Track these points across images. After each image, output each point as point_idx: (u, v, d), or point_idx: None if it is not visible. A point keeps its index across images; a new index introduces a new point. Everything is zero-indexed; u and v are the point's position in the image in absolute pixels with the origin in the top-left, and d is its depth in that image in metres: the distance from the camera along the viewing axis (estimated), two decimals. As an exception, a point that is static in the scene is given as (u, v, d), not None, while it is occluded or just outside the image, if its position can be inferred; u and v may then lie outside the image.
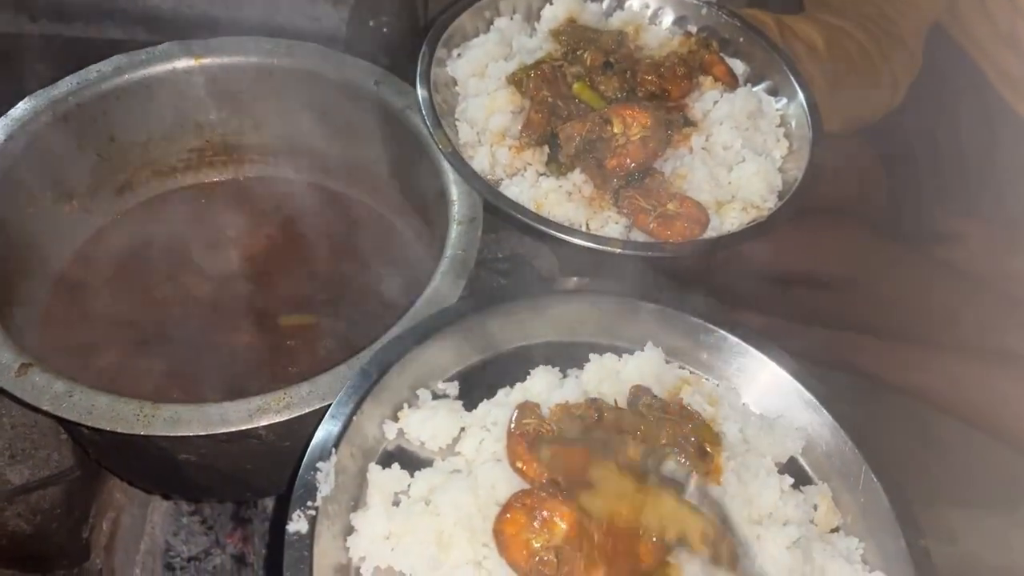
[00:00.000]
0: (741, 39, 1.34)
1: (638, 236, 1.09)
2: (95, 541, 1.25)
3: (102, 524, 1.28)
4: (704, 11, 1.35)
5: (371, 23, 1.97)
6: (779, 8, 1.60)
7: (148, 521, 1.47)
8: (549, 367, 1.01)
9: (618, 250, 1.03)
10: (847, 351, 1.39)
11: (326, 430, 0.91)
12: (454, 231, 1.15)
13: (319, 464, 0.87)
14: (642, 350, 1.03)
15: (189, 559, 1.52)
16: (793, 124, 1.26)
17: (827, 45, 1.54)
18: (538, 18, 1.31)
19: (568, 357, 1.04)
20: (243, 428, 0.97)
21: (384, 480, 0.91)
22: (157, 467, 1.13)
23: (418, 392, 0.99)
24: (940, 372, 1.37)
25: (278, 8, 2.03)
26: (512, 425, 0.91)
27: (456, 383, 1.01)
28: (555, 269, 1.45)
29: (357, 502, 0.91)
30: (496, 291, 1.07)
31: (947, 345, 1.39)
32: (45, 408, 0.97)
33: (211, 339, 1.28)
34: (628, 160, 1.10)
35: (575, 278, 1.11)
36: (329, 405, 0.94)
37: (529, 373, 1.00)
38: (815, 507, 0.96)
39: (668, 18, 1.37)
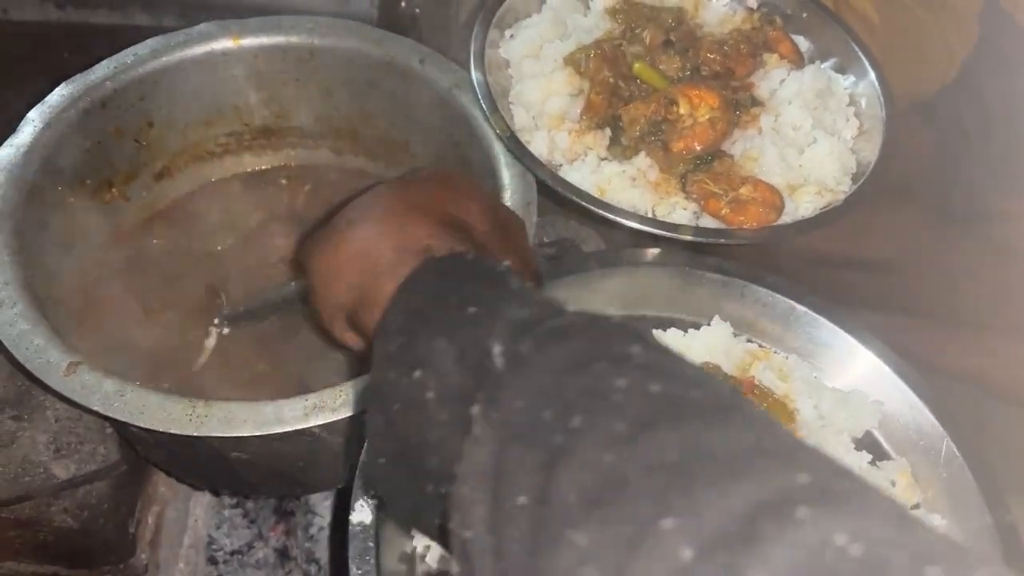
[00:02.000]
0: (804, 14, 1.28)
1: (707, 222, 1.04)
2: (140, 536, 1.23)
3: (147, 519, 1.26)
4: (764, -15, 1.29)
5: (403, 4, 1.93)
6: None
7: (191, 515, 1.45)
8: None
9: (690, 237, 0.98)
10: (899, 335, 1.35)
11: None
12: None
13: None
14: (708, 324, 1.00)
15: (232, 552, 1.50)
16: (863, 103, 1.20)
17: (881, 18, 1.49)
18: (593, -5, 1.26)
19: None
20: (299, 428, 0.93)
21: None
22: (206, 464, 1.10)
23: None
24: (995, 355, 1.34)
25: (309, -9, 2.00)
26: None
27: None
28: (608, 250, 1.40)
29: None
30: (549, 268, 1.03)
31: (1002, 327, 1.36)
32: (96, 408, 0.94)
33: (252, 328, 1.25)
34: (695, 143, 1.05)
35: (648, 250, 1.07)
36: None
37: None
38: (893, 483, 0.93)
39: (726, -9, 1.30)
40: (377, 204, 0.76)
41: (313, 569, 1.48)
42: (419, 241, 0.69)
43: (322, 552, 1.49)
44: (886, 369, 0.99)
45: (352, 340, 0.78)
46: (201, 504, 1.46)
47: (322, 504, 1.50)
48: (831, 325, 1.02)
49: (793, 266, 1.31)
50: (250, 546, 1.51)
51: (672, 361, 0.53)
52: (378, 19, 1.94)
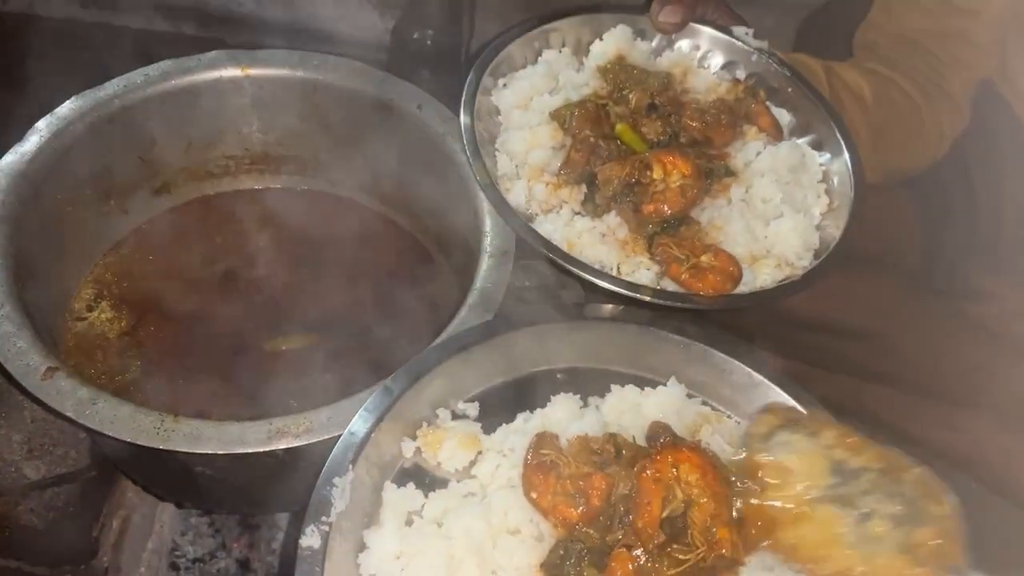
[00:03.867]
0: (789, 89, 1.32)
1: (669, 284, 1.08)
2: (104, 539, 1.26)
3: (112, 523, 1.29)
4: (754, 58, 1.33)
5: (415, 35, 1.99)
6: (827, 52, 1.58)
7: (157, 520, 1.48)
8: (570, 395, 1.00)
9: (648, 298, 1.02)
10: (869, 401, 1.37)
11: (345, 445, 0.91)
12: (485, 263, 1.15)
13: (335, 479, 0.88)
14: (665, 384, 1.02)
15: (194, 560, 1.53)
16: (835, 181, 1.24)
17: (874, 95, 1.52)
18: (587, 52, 1.30)
19: (591, 383, 1.03)
20: (261, 450, 0.97)
21: (398, 499, 0.91)
22: (172, 477, 1.14)
23: (438, 411, 0.99)
24: (963, 431, 1.34)
25: (325, 14, 2.06)
26: (529, 455, 0.91)
27: (476, 404, 1.01)
28: (582, 302, 1.44)
29: (371, 519, 0.91)
30: (523, 313, 1.07)
31: (971, 404, 1.37)
32: (68, 414, 0.97)
33: (235, 344, 1.29)
34: (665, 207, 1.09)
35: (606, 305, 1.10)
36: (347, 431, 0.93)
37: (550, 399, 0.99)
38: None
39: (717, 61, 1.35)
40: None
41: (272, 584, 1.50)
42: None
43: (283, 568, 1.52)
44: None
45: None
46: (168, 510, 1.49)
47: (287, 520, 1.52)
48: (787, 397, 1.03)
49: (772, 327, 1.33)
50: (212, 555, 1.53)
51: None
52: (391, 46, 2.01)
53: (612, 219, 1.11)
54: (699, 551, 0.83)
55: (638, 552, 0.84)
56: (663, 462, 0.88)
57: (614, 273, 1.08)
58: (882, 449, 0.90)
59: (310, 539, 0.84)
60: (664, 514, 0.85)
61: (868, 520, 0.85)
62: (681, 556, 0.83)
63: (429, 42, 2.00)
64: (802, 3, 1.90)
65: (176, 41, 1.80)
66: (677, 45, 1.34)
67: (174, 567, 1.51)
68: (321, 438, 0.97)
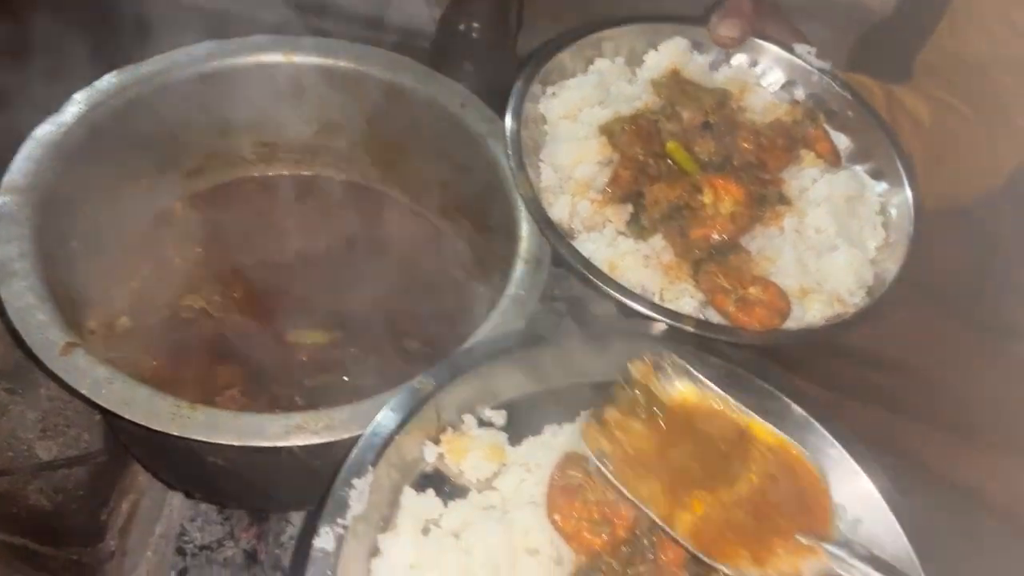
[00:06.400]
0: (850, 112, 1.27)
1: (713, 314, 1.03)
2: (111, 523, 1.25)
3: (121, 506, 1.27)
4: (815, 78, 1.28)
5: (461, 27, 1.95)
6: (886, 71, 1.54)
7: (167, 504, 1.46)
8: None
9: (691, 329, 0.97)
10: (903, 437, 1.33)
11: (366, 445, 0.88)
12: (519, 270, 1.12)
13: (354, 480, 0.85)
14: None
15: (201, 547, 1.51)
16: (894, 214, 1.18)
17: (933, 120, 1.48)
18: (640, 63, 1.26)
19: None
20: (278, 444, 0.94)
21: (417, 506, 0.88)
22: (184, 466, 1.12)
23: (464, 417, 0.96)
24: (996, 473, 1.30)
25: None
26: (555, 474, 0.88)
27: (504, 412, 0.97)
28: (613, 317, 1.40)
29: (387, 522, 0.88)
30: (555, 323, 1.04)
31: (1007, 446, 1.33)
32: (83, 392, 0.95)
33: (256, 333, 1.27)
34: (714, 233, 1.04)
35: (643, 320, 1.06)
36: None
37: (579, 413, 0.95)
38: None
39: (776, 79, 1.29)
40: None
41: (277, 576, 1.48)
42: None
43: (290, 561, 1.50)
44: (872, 489, 0.97)
45: None
46: (178, 495, 1.47)
47: (297, 514, 1.50)
48: (824, 432, 1.00)
49: (810, 354, 1.30)
50: (220, 544, 1.51)
51: None
52: (436, 36, 1.97)
53: (658, 242, 1.06)
54: None
55: None
56: None
57: (656, 299, 1.04)
58: None
59: (324, 540, 0.81)
60: None
61: None
62: None
63: (475, 35, 1.97)
64: (862, 19, 1.85)
65: (220, 20, 1.77)
66: (735, 60, 1.29)
67: (180, 552, 1.50)
68: (340, 437, 0.94)
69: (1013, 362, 1.41)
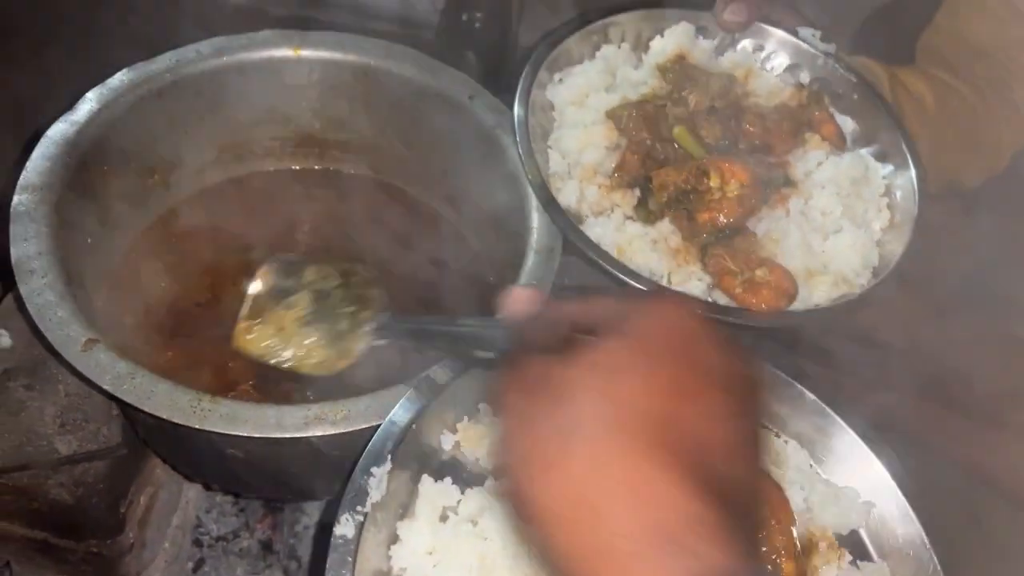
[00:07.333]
0: (854, 95, 1.28)
1: (720, 296, 1.04)
2: (130, 515, 1.26)
3: (140, 499, 1.29)
4: (820, 61, 1.29)
5: (464, 17, 1.96)
6: (888, 54, 1.54)
7: (183, 496, 1.48)
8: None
9: (699, 312, 0.98)
10: (910, 417, 1.34)
11: (385, 434, 0.90)
12: (531, 260, 1.12)
13: (373, 469, 0.87)
14: None
15: (217, 538, 1.53)
16: (898, 195, 1.19)
17: (936, 102, 1.48)
18: (646, 48, 1.27)
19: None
20: (297, 435, 0.95)
21: (435, 493, 0.90)
22: (202, 457, 1.13)
23: (480, 406, 0.97)
24: (997, 450, 1.30)
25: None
26: None
27: None
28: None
29: (405, 511, 0.90)
30: None
31: (1008, 424, 1.34)
32: (105, 387, 0.96)
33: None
34: (721, 216, 1.05)
35: None
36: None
37: None
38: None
39: (781, 62, 1.30)
40: (599, 422, 0.53)
41: (293, 566, 1.50)
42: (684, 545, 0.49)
43: (305, 551, 1.51)
44: (884, 473, 0.98)
45: None
46: (195, 487, 1.49)
47: (312, 504, 1.52)
48: (836, 418, 1.01)
49: (816, 336, 1.31)
50: (236, 534, 1.53)
51: None
52: (440, 25, 1.98)
53: (665, 226, 1.07)
54: None
55: None
56: None
57: (664, 282, 1.05)
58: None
59: (344, 528, 0.83)
60: None
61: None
62: None
63: (477, 24, 1.97)
64: (865, 2, 1.85)
65: (228, 14, 1.76)
66: (740, 45, 1.30)
67: (197, 543, 1.51)
68: (359, 427, 0.95)
69: (1014, 342, 1.41)
